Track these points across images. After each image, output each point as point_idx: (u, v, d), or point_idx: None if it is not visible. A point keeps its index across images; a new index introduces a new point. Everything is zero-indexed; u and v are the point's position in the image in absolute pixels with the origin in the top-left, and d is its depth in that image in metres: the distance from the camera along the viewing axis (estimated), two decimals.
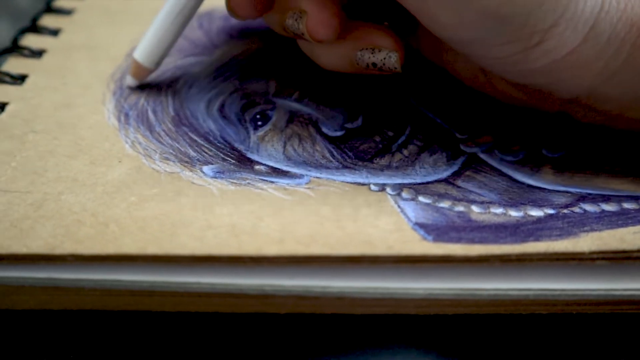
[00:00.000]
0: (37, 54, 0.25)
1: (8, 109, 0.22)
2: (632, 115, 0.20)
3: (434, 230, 0.18)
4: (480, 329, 0.18)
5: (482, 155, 0.21)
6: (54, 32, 0.26)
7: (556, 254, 0.17)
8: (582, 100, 0.20)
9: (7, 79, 0.23)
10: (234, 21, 0.27)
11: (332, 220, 0.18)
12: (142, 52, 0.23)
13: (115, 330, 0.18)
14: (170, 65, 0.24)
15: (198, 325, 0.18)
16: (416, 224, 0.18)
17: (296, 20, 0.20)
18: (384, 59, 0.20)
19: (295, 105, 0.23)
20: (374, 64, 0.21)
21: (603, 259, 0.17)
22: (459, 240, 0.18)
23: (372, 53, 0.21)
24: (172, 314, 0.18)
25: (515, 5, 0.17)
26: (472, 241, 0.18)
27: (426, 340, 0.18)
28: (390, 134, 0.22)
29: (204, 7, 0.28)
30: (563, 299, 0.18)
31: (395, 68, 0.21)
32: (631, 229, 0.18)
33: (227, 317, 0.18)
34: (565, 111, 0.21)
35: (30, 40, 0.25)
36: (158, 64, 0.23)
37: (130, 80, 0.23)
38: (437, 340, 0.18)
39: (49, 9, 0.27)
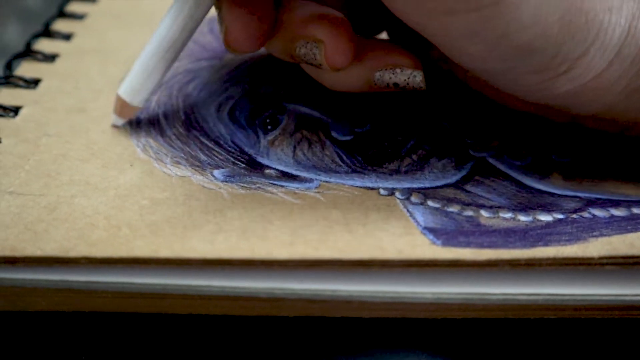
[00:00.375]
0: (50, 58, 0.25)
1: (22, 112, 0.22)
2: None
3: (443, 235, 0.18)
4: (487, 333, 0.18)
5: (491, 160, 0.22)
6: (67, 37, 0.26)
7: (565, 259, 0.17)
8: (598, 115, 0.20)
9: (21, 83, 0.24)
10: None
11: (341, 224, 0.18)
12: (128, 89, 0.21)
13: (125, 332, 0.18)
14: (181, 69, 0.25)
15: (204, 326, 0.18)
16: (425, 228, 0.18)
17: (311, 50, 0.20)
18: (408, 79, 0.20)
19: (305, 110, 0.23)
20: (396, 84, 0.20)
21: (612, 264, 0.17)
22: (468, 244, 0.18)
23: (393, 73, 0.20)
24: (179, 315, 0.18)
25: (548, 38, 0.17)
26: (481, 246, 0.18)
27: (433, 343, 0.18)
28: (399, 138, 0.22)
29: (213, 12, 0.28)
30: (572, 304, 0.18)
31: (421, 87, 0.20)
32: None
33: (234, 319, 0.18)
34: (578, 122, 0.21)
35: (44, 45, 0.26)
36: (146, 100, 0.21)
37: (114, 119, 0.22)
38: (444, 343, 0.18)
39: (62, 13, 0.28)
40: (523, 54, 0.18)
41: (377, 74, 0.20)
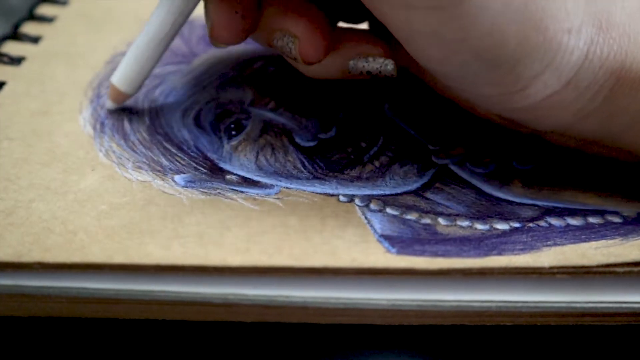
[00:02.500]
0: (17, 61, 0.25)
1: None
2: (605, 143, 0.20)
3: (399, 243, 0.18)
4: (484, 335, 0.19)
5: (453, 167, 0.22)
6: (35, 40, 0.26)
7: (517, 268, 0.17)
8: (555, 133, 0.20)
9: None
10: None
11: (298, 231, 0.18)
12: (121, 77, 0.22)
13: (117, 337, 0.18)
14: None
15: (201, 326, 0.18)
16: (381, 236, 0.19)
17: (287, 43, 0.20)
18: (380, 67, 0.21)
19: (270, 115, 0.23)
20: (369, 72, 0.21)
21: (563, 273, 0.18)
22: (422, 253, 0.18)
23: (366, 62, 0.21)
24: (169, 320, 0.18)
25: (506, 50, 0.17)
26: (435, 254, 0.18)
27: (417, 344, 0.18)
28: (363, 145, 0.22)
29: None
30: (526, 311, 0.18)
31: (393, 75, 0.21)
32: (593, 243, 0.19)
33: (221, 323, 0.18)
34: (539, 135, 0.22)
35: (11, 48, 0.26)
36: (138, 88, 0.22)
37: (109, 104, 0.23)
38: (427, 345, 0.18)
39: (31, 16, 0.27)
40: (480, 63, 0.18)
41: (351, 62, 0.21)
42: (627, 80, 0.18)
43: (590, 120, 0.19)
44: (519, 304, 0.18)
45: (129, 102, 0.23)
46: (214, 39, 0.21)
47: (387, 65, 0.21)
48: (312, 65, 0.21)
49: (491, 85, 0.18)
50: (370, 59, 0.21)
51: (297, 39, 0.20)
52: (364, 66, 0.21)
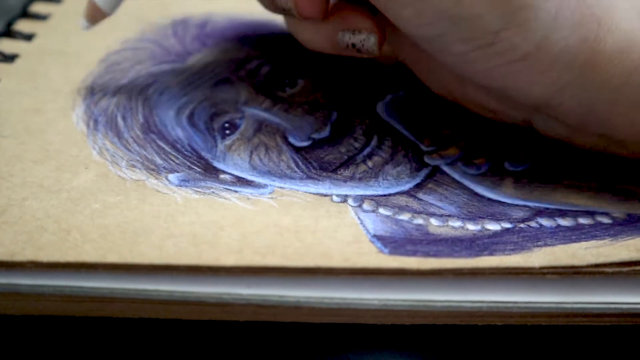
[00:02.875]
0: (10, 58, 0.25)
1: None
2: (590, 129, 0.21)
3: (391, 243, 0.18)
4: (483, 336, 0.19)
5: (446, 168, 0.22)
6: (28, 37, 0.26)
7: (508, 268, 0.18)
8: (542, 109, 0.21)
9: None
10: (208, 29, 0.27)
11: (291, 231, 0.18)
12: None
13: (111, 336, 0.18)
14: (143, 72, 0.25)
15: (188, 330, 0.18)
16: (374, 236, 0.19)
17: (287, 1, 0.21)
18: (363, 40, 0.22)
19: (264, 115, 0.23)
20: (353, 45, 0.22)
21: (553, 273, 0.18)
22: (414, 253, 0.18)
23: (352, 34, 0.22)
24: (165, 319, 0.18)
25: (465, 7, 0.18)
26: (427, 254, 0.18)
27: (412, 344, 0.19)
28: (357, 145, 0.22)
29: (178, 15, 0.28)
30: (517, 311, 0.18)
31: (374, 50, 0.22)
32: (583, 244, 0.19)
33: (217, 322, 0.18)
34: (530, 123, 0.22)
35: (4, 45, 0.26)
36: (114, 8, 0.22)
37: (82, 23, 0.23)
38: (422, 344, 0.19)
39: (25, 13, 0.27)
40: (446, 21, 0.19)
41: (340, 34, 0.22)
42: (602, 52, 0.19)
43: (569, 93, 0.19)
44: (510, 304, 0.18)
45: (123, 99, 0.23)
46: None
47: (369, 39, 0.21)
48: (307, 20, 0.21)
49: (461, 42, 0.19)
50: (357, 32, 0.22)
51: None
52: (349, 38, 0.22)
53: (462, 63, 0.20)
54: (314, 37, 0.22)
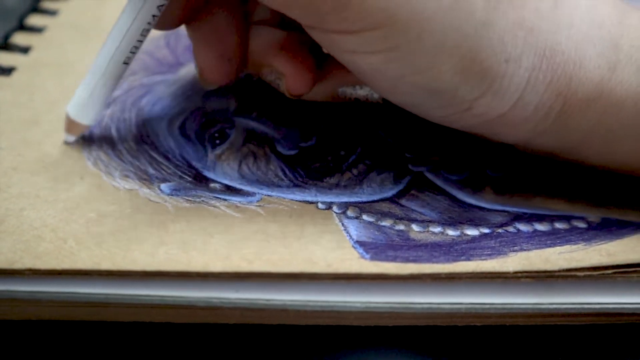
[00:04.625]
0: (7, 71, 0.26)
1: None
2: (567, 157, 0.21)
3: (373, 249, 0.19)
4: (483, 336, 0.19)
5: (428, 175, 0.23)
6: (24, 50, 0.27)
7: (483, 273, 0.18)
8: (520, 145, 0.22)
9: None
10: None
11: (278, 238, 0.19)
12: (76, 108, 0.22)
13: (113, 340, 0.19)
14: (136, 83, 0.26)
15: (182, 332, 0.19)
16: (357, 242, 0.19)
17: (275, 79, 0.22)
18: (368, 94, 0.23)
19: (253, 124, 0.24)
20: (357, 99, 0.23)
21: (527, 277, 0.19)
22: (394, 259, 0.19)
23: (353, 89, 0.23)
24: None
25: (442, 82, 0.19)
26: (406, 260, 0.19)
27: (406, 341, 0.19)
28: (342, 153, 0.23)
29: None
30: (494, 312, 0.19)
31: (379, 102, 0.23)
32: (558, 248, 0.20)
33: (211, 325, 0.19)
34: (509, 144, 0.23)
35: (1, 58, 0.26)
36: (95, 119, 0.22)
37: (66, 137, 0.22)
38: (416, 342, 0.19)
39: (21, 26, 0.28)
40: (422, 93, 0.20)
41: (340, 90, 0.23)
42: (574, 102, 0.20)
43: (546, 136, 0.20)
44: (487, 306, 0.19)
45: (116, 110, 0.24)
46: (204, 82, 0.22)
47: (374, 94, 0.22)
48: (299, 97, 0.22)
49: (438, 109, 0.20)
50: (358, 87, 0.22)
51: (283, 76, 0.22)
52: (352, 93, 0.22)
53: (442, 121, 0.21)
54: (315, 95, 0.23)
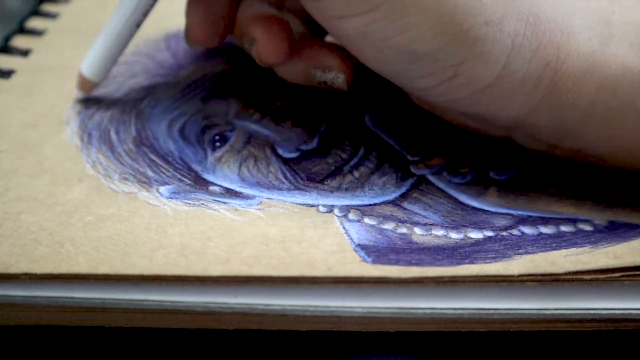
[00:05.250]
0: (7, 74, 0.26)
1: None
2: (567, 145, 0.21)
3: (374, 252, 0.19)
4: (485, 340, 0.19)
5: (431, 178, 0.22)
6: (24, 53, 0.27)
7: (487, 276, 0.18)
8: (518, 127, 0.21)
9: None
10: None
11: (278, 241, 0.19)
12: (88, 66, 0.24)
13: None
14: (137, 85, 0.25)
15: (183, 337, 0.19)
16: (358, 245, 0.19)
17: (250, 45, 0.22)
18: (333, 78, 0.23)
19: (254, 127, 0.24)
20: (325, 82, 0.23)
21: (532, 281, 0.18)
22: (397, 262, 0.18)
23: (322, 72, 0.23)
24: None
25: (423, 43, 0.19)
26: (409, 263, 0.18)
27: (407, 346, 0.19)
28: (344, 155, 0.23)
29: (172, 28, 0.29)
30: (498, 317, 0.19)
31: (343, 88, 0.23)
32: (563, 251, 0.19)
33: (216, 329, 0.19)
34: (510, 137, 0.22)
35: (1, 61, 0.26)
36: (104, 76, 0.24)
37: (77, 94, 0.24)
38: (417, 347, 0.19)
39: (21, 29, 0.28)
40: (405, 59, 0.20)
41: (312, 71, 0.23)
42: (565, 73, 0.19)
43: (540, 113, 0.20)
44: (491, 311, 0.19)
45: (116, 113, 0.24)
46: (189, 39, 0.23)
47: (338, 78, 0.22)
48: (269, 66, 0.22)
49: (424, 78, 0.20)
50: (327, 70, 0.23)
51: (255, 41, 0.22)
52: (320, 76, 0.23)
53: (431, 97, 0.21)
54: (288, 73, 0.23)
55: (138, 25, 0.23)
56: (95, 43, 0.23)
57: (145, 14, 0.23)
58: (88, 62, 0.23)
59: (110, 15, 0.23)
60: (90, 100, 0.24)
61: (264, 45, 0.22)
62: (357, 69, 0.24)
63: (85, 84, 0.24)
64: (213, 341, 0.19)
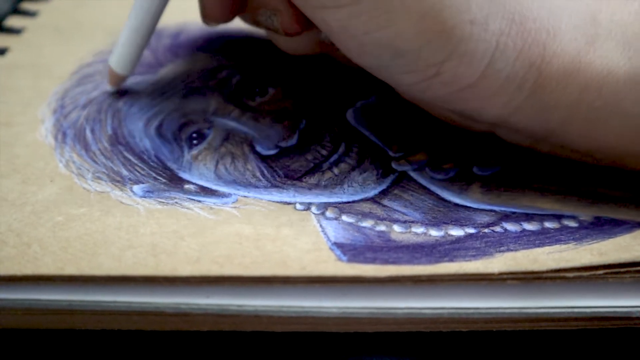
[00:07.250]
0: None
1: None
2: (551, 142, 0.21)
3: (351, 251, 0.18)
4: (487, 343, 0.19)
5: (413, 174, 0.22)
6: (1, 51, 0.26)
7: (467, 274, 0.18)
8: (501, 124, 0.21)
9: None
10: (181, 39, 0.28)
11: (251, 240, 0.18)
12: (116, 60, 0.24)
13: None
14: None
15: (169, 340, 0.18)
16: (334, 243, 0.19)
17: (269, 17, 0.22)
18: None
19: (233, 124, 0.23)
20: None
21: (513, 279, 0.18)
22: (373, 260, 0.18)
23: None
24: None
25: (405, 40, 0.18)
26: (386, 262, 0.18)
27: (395, 348, 0.18)
28: (324, 152, 0.22)
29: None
30: (479, 317, 0.18)
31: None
32: (547, 248, 0.19)
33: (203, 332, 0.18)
34: (494, 132, 0.22)
35: None
36: (132, 69, 0.24)
37: (108, 87, 0.24)
38: (406, 348, 0.19)
39: (0, 28, 0.28)
40: (387, 53, 0.19)
41: (322, 35, 0.23)
42: (550, 74, 0.19)
43: (524, 113, 0.20)
44: (471, 311, 0.18)
45: (92, 111, 0.23)
46: (206, 17, 0.23)
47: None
48: (291, 37, 0.22)
49: (406, 74, 0.20)
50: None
51: (279, 12, 0.22)
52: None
53: (414, 92, 0.21)
54: (297, 43, 0.23)
55: (159, 15, 0.23)
56: (120, 37, 0.24)
57: (165, 3, 0.23)
58: (116, 57, 0.24)
59: (131, 9, 0.23)
60: (66, 99, 0.24)
61: (288, 17, 0.21)
62: (340, 64, 0.24)
63: (115, 77, 0.24)
64: (213, 341, 0.18)
